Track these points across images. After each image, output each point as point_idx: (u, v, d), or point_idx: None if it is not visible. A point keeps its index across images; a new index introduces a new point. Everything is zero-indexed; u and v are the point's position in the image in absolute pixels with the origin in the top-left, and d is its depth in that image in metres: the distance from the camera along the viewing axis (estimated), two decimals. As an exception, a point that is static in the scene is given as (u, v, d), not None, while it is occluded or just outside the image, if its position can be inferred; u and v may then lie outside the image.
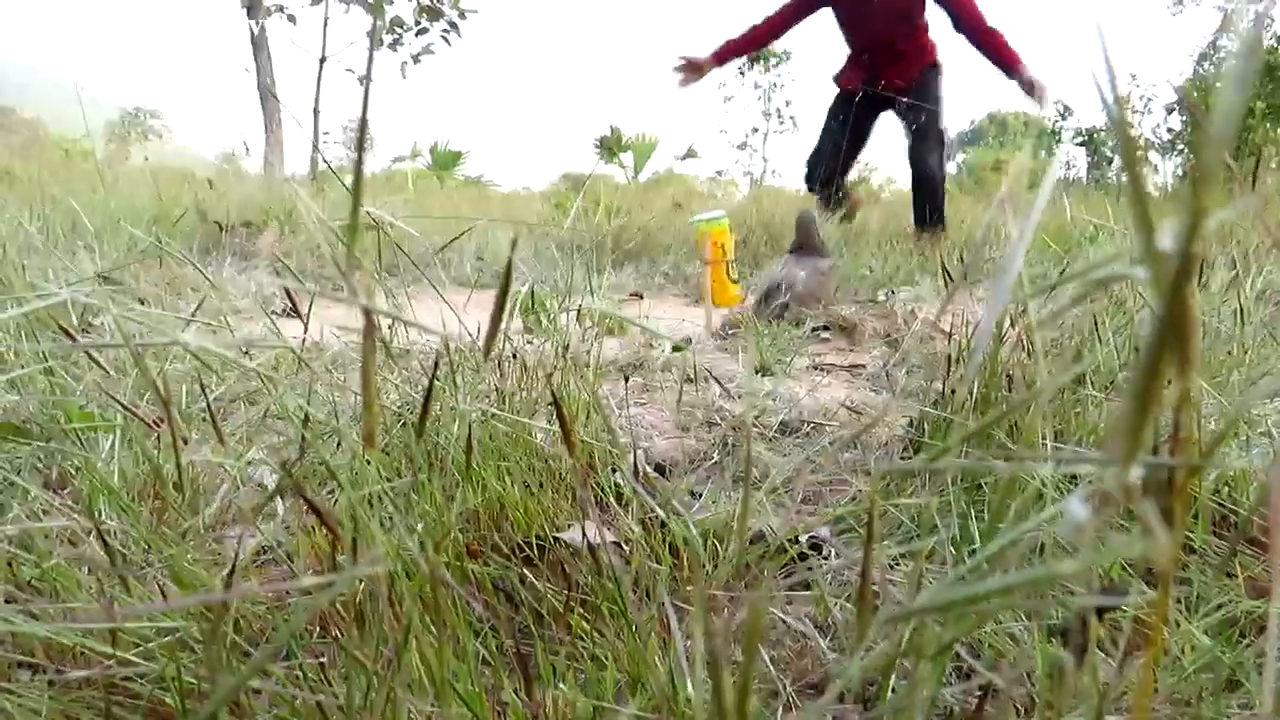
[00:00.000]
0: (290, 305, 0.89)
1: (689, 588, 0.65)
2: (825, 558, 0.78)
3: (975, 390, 0.91)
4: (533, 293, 1.63)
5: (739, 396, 1.35)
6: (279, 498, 0.77)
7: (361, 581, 0.37)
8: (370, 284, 0.23)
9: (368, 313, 0.22)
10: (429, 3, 10.69)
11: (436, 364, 0.36)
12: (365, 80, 0.27)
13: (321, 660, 0.48)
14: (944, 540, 0.73)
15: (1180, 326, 0.12)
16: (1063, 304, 0.87)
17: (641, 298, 2.85)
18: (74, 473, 0.74)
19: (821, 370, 1.67)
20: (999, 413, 0.20)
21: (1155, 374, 0.13)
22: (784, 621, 0.66)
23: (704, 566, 0.72)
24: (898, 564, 0.78)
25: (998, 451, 0.81)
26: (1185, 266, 0.12)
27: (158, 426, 0.57)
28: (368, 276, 0.22)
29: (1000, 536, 0.22)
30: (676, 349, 1.72)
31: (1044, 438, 0.80)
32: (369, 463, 0.49)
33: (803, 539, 0.81)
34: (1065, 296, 1.73)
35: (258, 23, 9.38)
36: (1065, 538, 0.14)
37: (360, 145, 0.24)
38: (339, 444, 0.72)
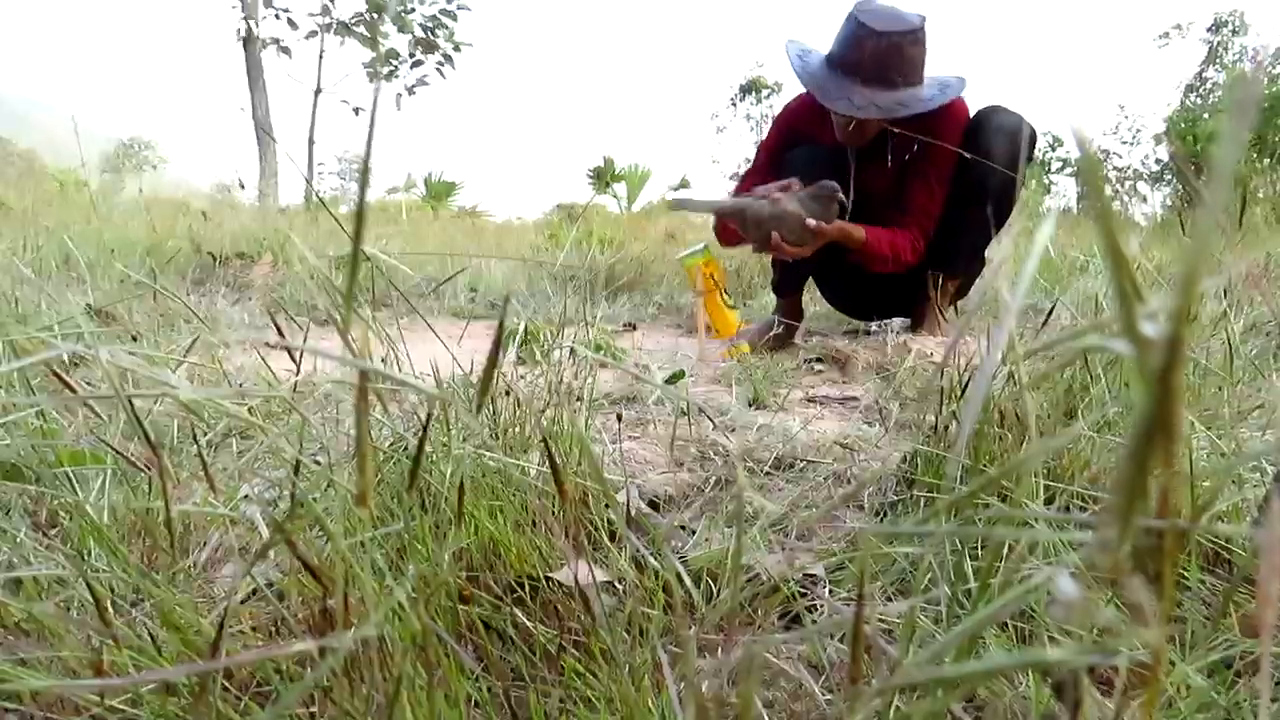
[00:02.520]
0: (281, 337, 0.89)
1: (682, 632, 0.64)
2: (820, 597, 0.78)
3: (968, 426, 0.91)
4: (526, 328, 1.63)
5: (732, 431, 1.35)
6: (265, 528, 0.77)
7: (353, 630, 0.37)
8: (366, 341, 0.24)
9: (363, 374, 0.22)
10: (424, 36, 10.82)
11: (429, 418, 0.36)
12: (369, 126, 0.27)
13: (313, 711, 0.48)
14: (937, 563, 0.73)
15: (1167, 416, 0.12)
16: (1050, 366, 0.87)
17: (635, 329, 2.86)
18: (65, 516, 0.73)
19: (815, 403, 1.67)
20: (990, 476, 0.20)
21: (1142, 465, 0.13)
22: (778, 663, 0.65)
23: (696, 609, 0.72)
24: (891, 600, 0.78)
25: (990, 490, 0.81)
26: (1173, 356, 0.12)
27: (148, 469, 0.57)
28: (365, 336, 0.22)
29: (991, 597, 0.22)
30: (671, 380, 1.73)
31: (1036, 474, 0.80)
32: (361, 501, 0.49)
33: (796, 577, 0.80)
34: (1056, 331, 1.74)
35: (252, 25, 9.46)
36: (1055, 618, 0.14)
37: (362, 196, 0.24)
38: (329, 484, 0.71)
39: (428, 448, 0.74)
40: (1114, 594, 0.57)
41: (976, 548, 0.77)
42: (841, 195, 2.08)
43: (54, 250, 2.88)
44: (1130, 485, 0.13)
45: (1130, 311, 0.13)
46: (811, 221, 2.05)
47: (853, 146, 2.30)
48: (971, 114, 2.29)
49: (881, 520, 0.94)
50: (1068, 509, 0.84)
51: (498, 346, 0.27)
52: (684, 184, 12.86)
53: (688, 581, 0.47)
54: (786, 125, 2.49)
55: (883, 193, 2.33)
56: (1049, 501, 0.85)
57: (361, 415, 0.23)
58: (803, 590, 0.78)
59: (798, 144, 2.41)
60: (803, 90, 2.39)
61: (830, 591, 0.80)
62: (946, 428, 0.96)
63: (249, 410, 0.88)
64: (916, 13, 2.14)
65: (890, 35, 2.07)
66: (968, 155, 2.16)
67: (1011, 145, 2.23)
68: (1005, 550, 0.62)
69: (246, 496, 0.94)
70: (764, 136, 2.57)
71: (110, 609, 0.52)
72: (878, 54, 2.08)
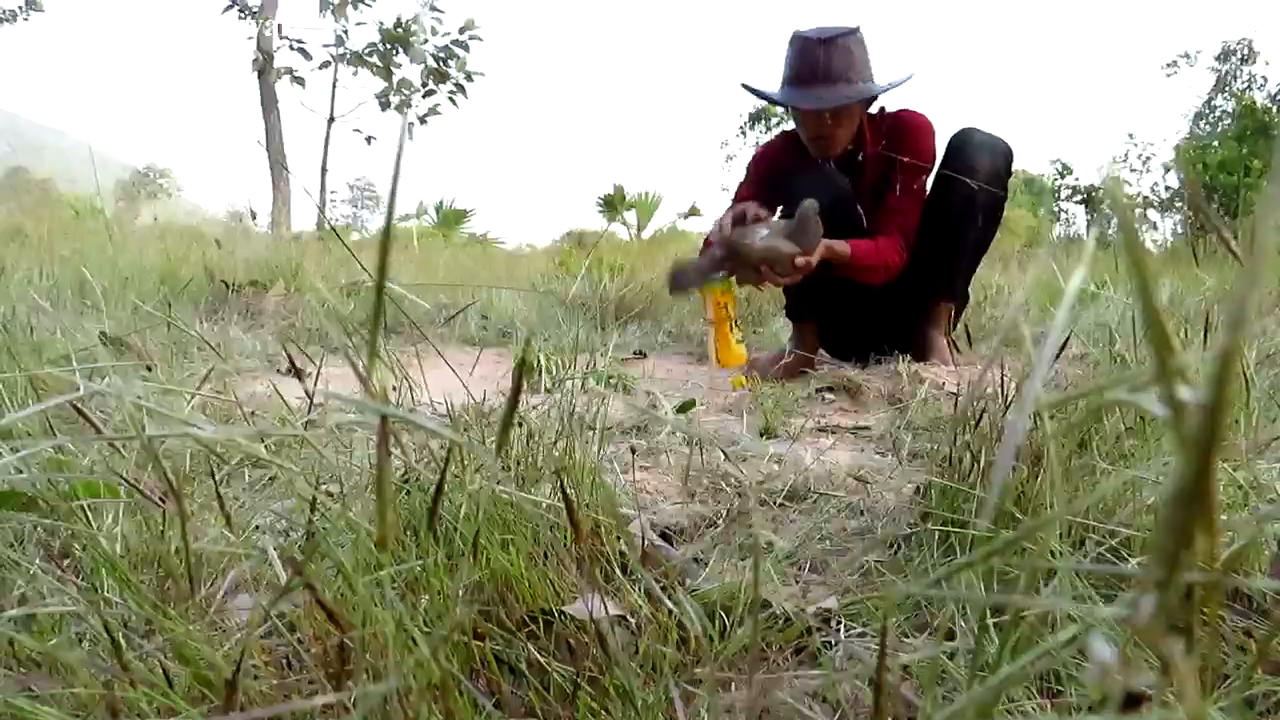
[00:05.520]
0: (293, 367, 0.89)
1: (697, 670, 0.64)
2: (836, 629, 0.77)
3: (983, 459, 0.91)
4: (538, 360, 1.63)
5: (744, 461, 1.35)
6: (281, 565, 0.77)
7: (368, 676, 0.37)
8: (385, 388, 0.24)
9: (383, 419, 0.22)
10: (436, 66, 10.94)
11: (447, 461, 0.36)
12: (395, 167, 0.27)
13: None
14: (958, 609, 0.72)
15: (1203, 488, 0.12)
16: (1078, 417, 0.86)
17: (645, 357, 2.86)
18: (79, 547, 0.74)
19: (826, 432, 1.66)
20: (1012, 538, 0.20)
21: (1180, 539, 0.13)
22: (793, 703, 0.65)
23: (711, 640, 0.71)
24: (907, 636, 0.77)
25: (1006, 523, 0.80)
26: (1213, 426, 0.12)
27: (163, 503, 0.57)
28: (384, 382, 0.22)
29: (1016, 644, 0.22)
30: (682, 410, 1.72)
31: (1051, 506, 0.80)
32: (377, 537, 0.49)
33: (810, 610, 0.80)
34: (1066, 360, 1.73)
35: (266, 55, 9.58)
36: (1090, 683, 0.13)
37: (384, 255, 0.24)
38: (342, 517, 0.71)
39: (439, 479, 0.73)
40: (1146, 649, 0.56)
41: (993, 580, 0.77)
42: (817, 216, 2.14)
43: (69, 278, 2.90)
44: (1169, 555, 0.12)
45: (1167, 373, 0.13)
46: (800, 260, 2.11)
47: (827, 158, 2.40)
48: (939, 136, 2.42)
49: (896, 553, 0.94)
50: (1082, 542, 0.83)
51: (516, 392, 0.27)
52: (694, 211, 12.90)
53: (703, 619, 0.47)
54: (764, 166, 2.58)
55: (869, 224, 2.41)
56: (1063, 535, 0.84)
57: (382, 461, 0.23)
58: (817, 625, 0.77)
59: (777, 186, 2.48)
60: (773, 135, 2.60)
61: (845, 626, 0.79)
62: (960, 459, 0.95)
63: (265, 447, 0.88)
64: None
65: (834, 39, 2.28)
66: (942, 169, 2.33)
67: (993, 160, 2.35)
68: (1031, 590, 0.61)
69: (259, 527, 0.94)
70: (740, 182, 2.64)
71: (123, 643, 0.52)
72: (828, 58, 2.28)
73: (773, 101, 2.44)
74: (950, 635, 0.68)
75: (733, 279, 2.45)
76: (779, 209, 2.29)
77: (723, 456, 1.28)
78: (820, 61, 2.28)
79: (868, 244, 2.29)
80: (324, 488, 0.94)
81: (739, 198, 2.56)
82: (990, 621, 0.64)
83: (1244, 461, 0.97)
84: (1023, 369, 1.04)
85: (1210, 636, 0.51)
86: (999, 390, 0.97)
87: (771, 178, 2.50)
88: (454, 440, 0.25)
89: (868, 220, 2.37)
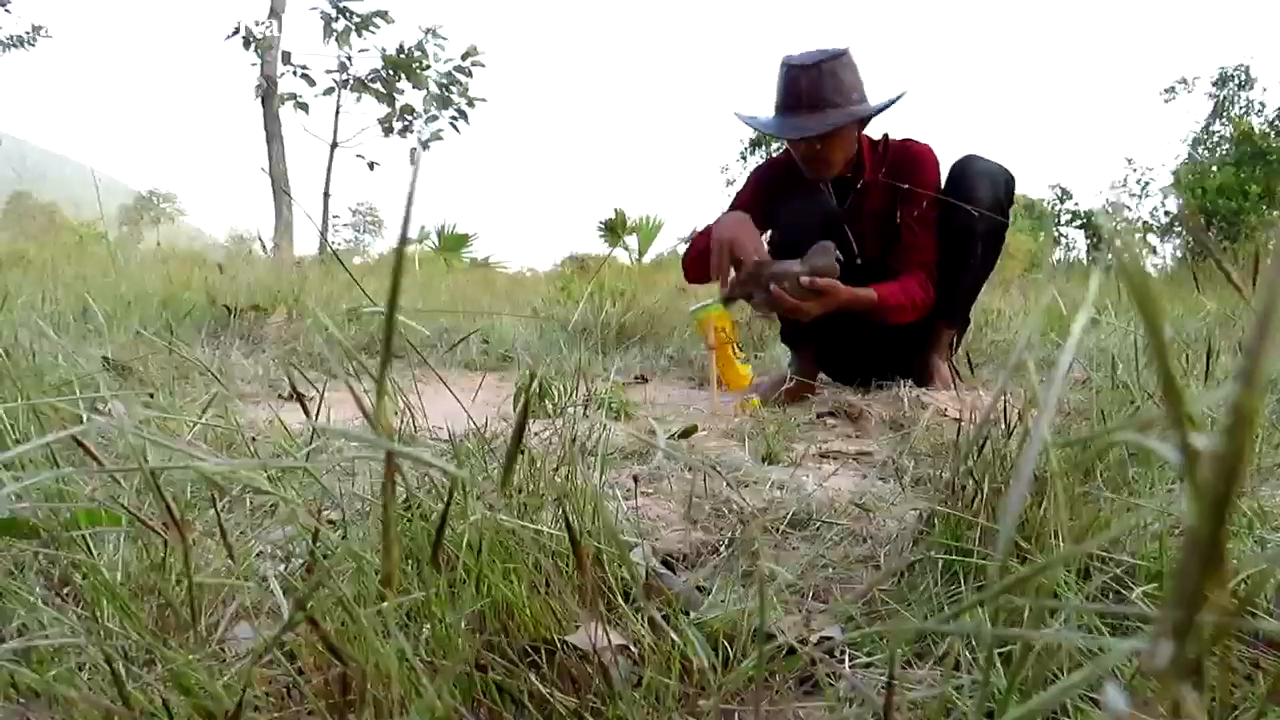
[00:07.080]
0: (295, 392, 0.89)
1: (701, 701, 0.63)
2: (840, 661, 0.77)
3: (985, 486, 0.90)
4: (541, 386, 1.63)
5: (746, 487, 1.34)
6: (282, 595, 0.76)
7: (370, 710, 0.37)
8: (389, 422, 0.24)
9: (390, 454, 0.22)
10: (439, 91, 11.02)
11: (450, 495, 0.36)
12: (408, 202, 0.27)
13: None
14: (963, 643, 0.71)
15: (1214, 539, 0.12)
16: (1084, 456, 0.86)
17: (646, 381, 2.86)
18: (79, 575, 0.73)
19: (828, 458, 1.66)
20: (1021, 575, 0.20)
21: (1196, 593, 0.12)
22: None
23: (715, 670, 0.71)
24: (910, 664, 0.77)
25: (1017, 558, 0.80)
26: (1230, 476, 0.12)
27: (164, 532, 0.57)
28: (389, 426, 0.22)
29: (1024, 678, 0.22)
30: (684, 435, 1.72)
31: (1056, 537, 0.79)
32: (382, 572, 0.49)
33: (813, 638, 0.79)
34: (1068, 387, 1.72)
35: (269, 80, 9.67)
36: (1105, 729, 0.13)
37: (393, 313, 0.24)
38: (343, 545, 0.71)
39: (441, 506, 0.73)
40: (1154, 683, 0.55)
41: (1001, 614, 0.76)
42: (838, 251, 2.16)
43: (72, 303, 2.91)
44: (1184, 605, 0.12)
45: (1180, 419, 0.12)
46: (805, 279, 2.10)
47: (822, 179, 2.41)
48: (945, 164, 2.43)
49: (899, 581, 0.93)
50: (1088, 571, 0.83)
51: (521, 429, 0.27)
52: (694, 235, 12.92)
53: (707, 649, 0.47)
54: (759, 186, 2.61)
55: (871, 251, 2.42)
56: (1068, 564, 0.83)
57: (388, 500, 0.23)
58: (820, 656, 0.77)
59: (771, 205, 2.50)
60: (771, 155, 2.61)
61: (848, 654, 0.78)
62: (964, 487, 0.95)
63: (267, 477, 0.88)
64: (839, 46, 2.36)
65: (819, 64, 2.27)
66: (944, 197, 2.33)
67: (994, 188, 2.35)
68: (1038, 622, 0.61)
69: (260, 553, 0.94)
70: (740, 190, 2.68)
71: (123, 674, 0.52)
72: (812, 84, 2.27)
73: (760, 129, 2.46)
74: (956, 665, 0.68)
75: (722, 303, 2.46)
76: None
77: (725, 485, 1.28)
78: (804, 88, 2.28)
79: (892, 286, 2.29)
80: (326, 514, 0.94)
81: (736, 203, 2.59)
82: (997, 651, 0.64)
83: (1248, 488, 0.97)
84: (1024, 395, 1.04)
85: (1220, 669, 0.51)
86: (1001, 416, 0.97)
87: (769, 193, 2.53)
88: (457, 475, 0.25)
89: (885, 257, 2.37)
